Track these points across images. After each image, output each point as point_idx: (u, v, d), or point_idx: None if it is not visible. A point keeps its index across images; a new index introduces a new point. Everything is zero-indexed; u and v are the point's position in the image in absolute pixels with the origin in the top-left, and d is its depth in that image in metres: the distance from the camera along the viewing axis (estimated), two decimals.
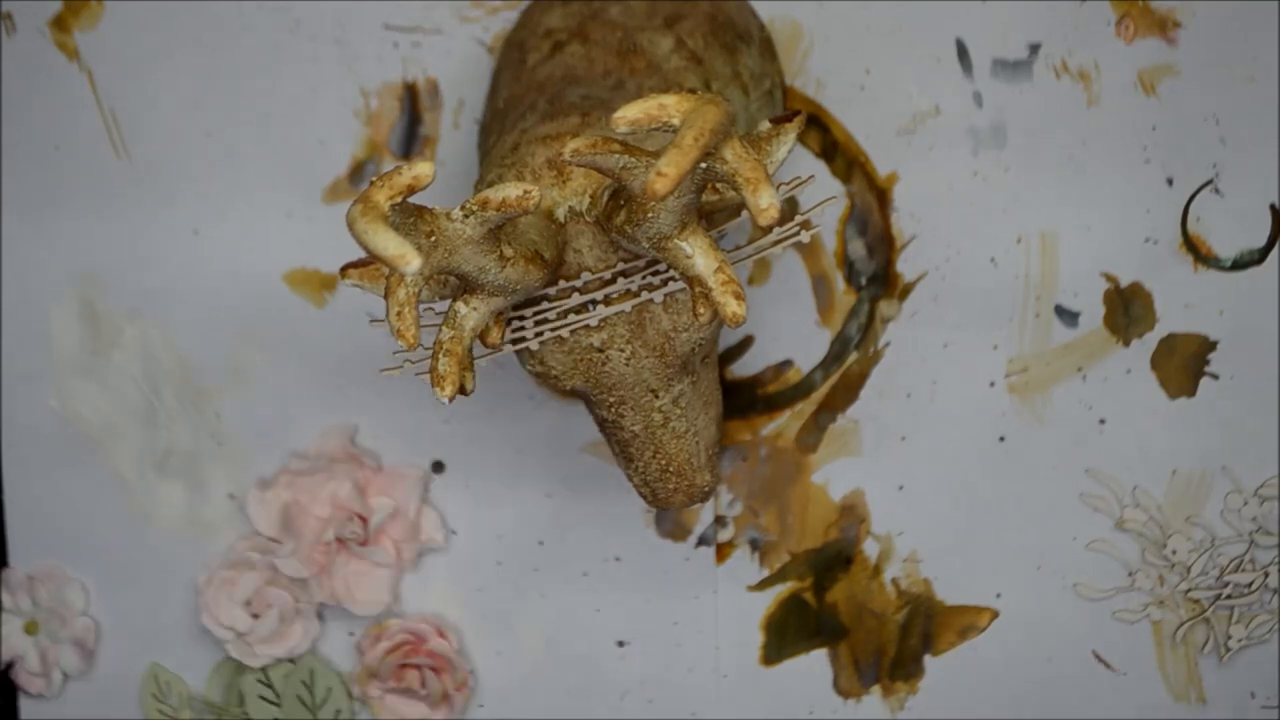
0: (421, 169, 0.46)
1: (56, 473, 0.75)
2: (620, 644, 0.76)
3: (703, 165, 0.46)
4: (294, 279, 0.73)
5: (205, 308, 0.73)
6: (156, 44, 0.71)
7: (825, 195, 0.69)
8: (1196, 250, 0.71)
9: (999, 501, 0.73)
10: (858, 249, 0.72)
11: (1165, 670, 0.74)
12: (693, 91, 0.47)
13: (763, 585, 0.75)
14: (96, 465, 0.75)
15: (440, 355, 0.51)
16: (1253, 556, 0.73)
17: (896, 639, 0.75)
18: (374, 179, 0.46)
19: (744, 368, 0.73)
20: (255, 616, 0.74)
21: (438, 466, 0.74)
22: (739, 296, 0.49)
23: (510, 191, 0.47)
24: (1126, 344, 0.72)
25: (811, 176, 0.55)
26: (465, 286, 0.51)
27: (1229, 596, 0.73)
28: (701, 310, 0.51)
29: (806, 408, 0.73)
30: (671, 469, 0.57)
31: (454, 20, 0.70)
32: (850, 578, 0.74)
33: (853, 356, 0.72)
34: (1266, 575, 0.73)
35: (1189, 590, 0.73)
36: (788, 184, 0.54)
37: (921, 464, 0.73)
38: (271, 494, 0.73)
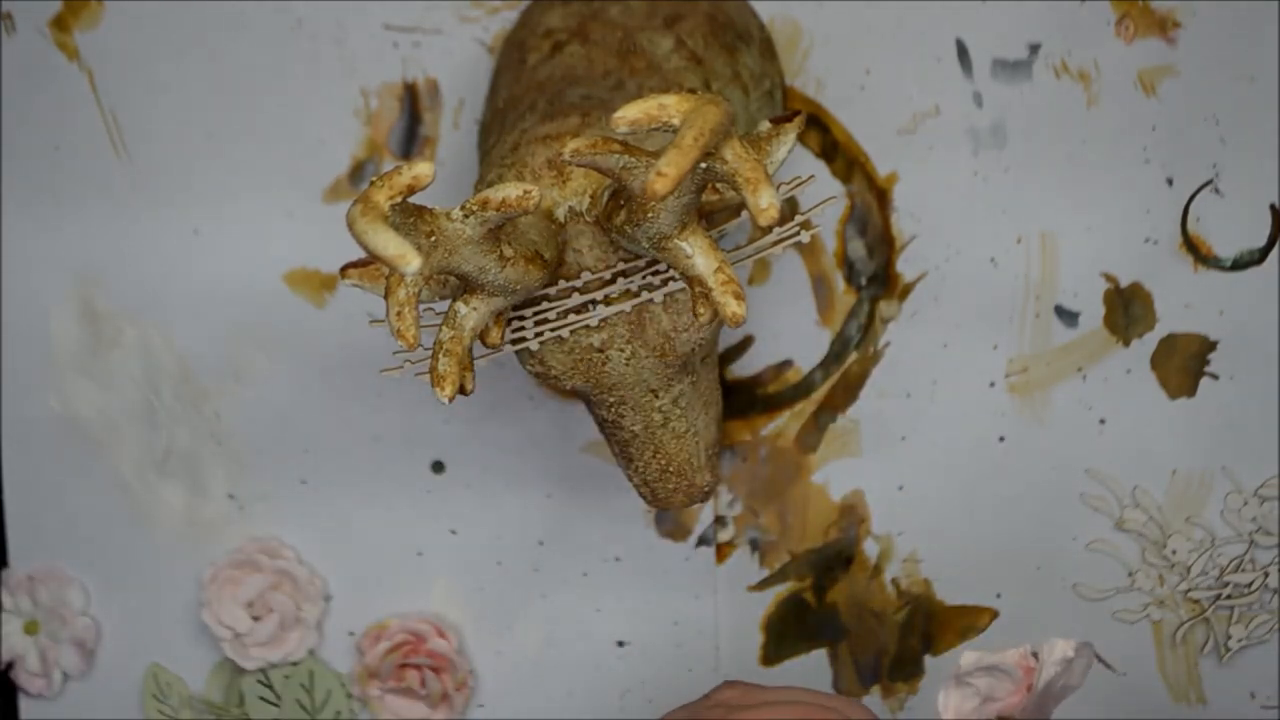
0: (421, 169, 0.46)
1: (56, 473, 0.75)
2: (620, 644, 0.76)
3: (703, 165, 0.46)
4: (294, 279, 0.73)
5: (205, 308, 0.73)
6: (156, 44, 0.71)
7: (825, 195, 0.69)
8: (1196, 250, 0.71)
9: (999, 501, 0.73)
10: (858, 249, 0.72)
11: (1165, 670, 0.74)
12: (693, 91, 0.47)
13: (763, 585, 0.75)
14: (96, 465, 0.75)
15: (440, 355, 0.51)
16: (1253, 556, 0.73)
17: (896, 639, 0.75)
18: (374, 179, 0.46)
19: (744, 368, 0.73)
20: (256, 619, 0.75)
21: (438, 466, 0.74)
22: (739, 296, 0.49)
23: (510, 191, 0.47)
24: (1126, 344, 0.72)
25: (811, 176, 0.55)
26: (465, 286, 0.51)
27: (1229, 596, 0.73)
28: (701, 310, 0.51)
29: (806, 408, 0.73)
30: (671, 469, 0.57)
31: (454, 20, 0.70)
32: (850, 578, 0.74)
33: (853, 356, 0.72)
34: (1266, 575, 0.73)
35: (1189, 590, 0.73)
36: (788, 184, 0.54)
37: (921, 464, 0.73)
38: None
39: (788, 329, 0.72)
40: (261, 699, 0.76)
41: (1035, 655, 0.54)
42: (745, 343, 0.73)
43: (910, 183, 0.71)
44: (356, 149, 0.72)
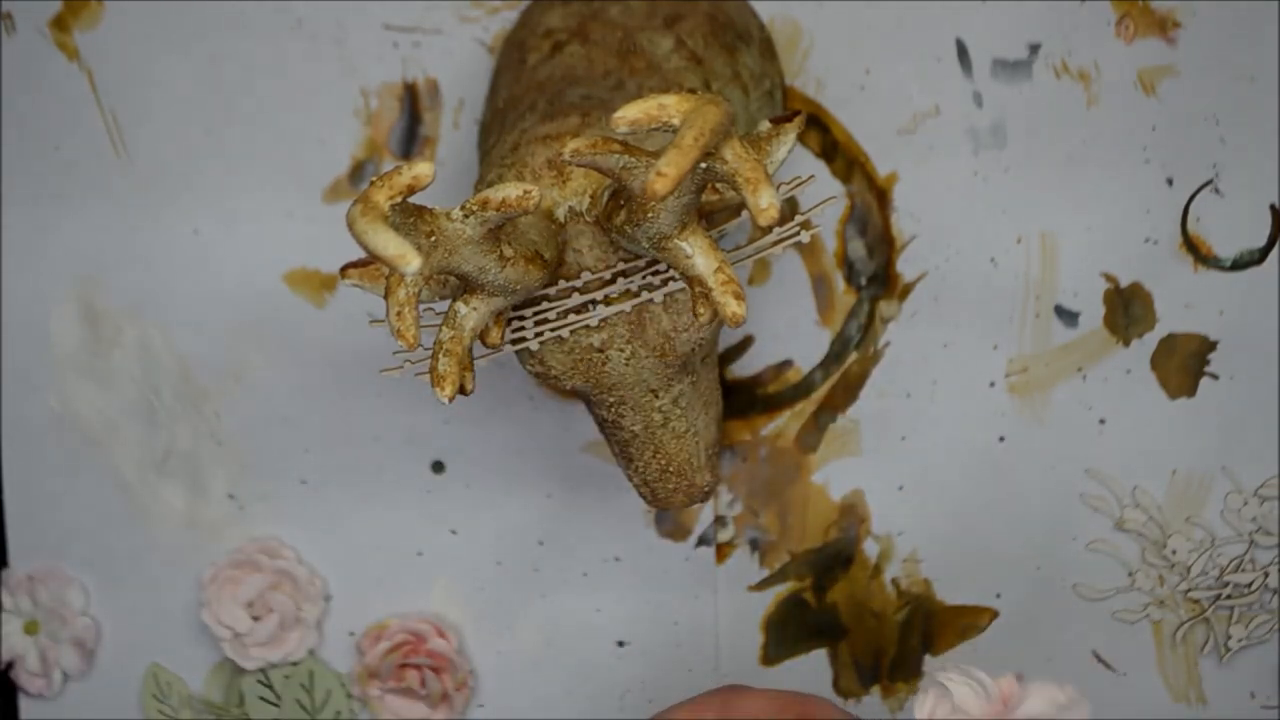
0: (421, 169, 0.46)
1: (56, 473, 0.75)
2: (620, 644, 0.76)
3: (703, 165, 0.46)
4: (294, 279, 0.73)
5: (205, 308, 0.73)
6: (156, 44, 0.71)
7: (825, 195, 0.69)
8: (1196, 250, 0.71)
9: (999, 501, 0.73)
10: (858, 249, 0.72)
11: (1165, 670, 0.74)
12: (693, 91, 0.47)
13: (763, 585, 0.75)
14: (96, 465, 0.75)
15: (440, 355, 0.51)
16: (1253, 556, 0.73)
17: (896, 639, 0.75)
18: (374, 179, 0.46)
19: (744, 368, 0.73)
20: (256, 619, 0.75)
21: (438, 466, 0.74)
22: (739, 296, 0.49)
23: (510, 191, 0.47)
24: (1126, 344, 0.72)
25: (811, 176, 0.55)
26: (465, 286, 0.51)
27: (1229, 596, 0.73)
28: (701, 310, 0.51)
29: (806, 408, 0.73)
30: (671, 469, 0.57)
31: (454, 20, 0.70)
32: (850, 578, 0.74)
33: (853, 356, 0.72)
34: (1266, 575, 0.73)
35: (1189, 590, 0.73)
36: (788, 184, 0.54)
37: (921, 464, 0.73)
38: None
39: (788, 329, 0.72)
40: (261, 699, 0.76)
41: (1020, 685, 0.54)
42: (745, 343, 0.73)
43: (910, 183, 0.71)
44: (356, 149, 0.72)
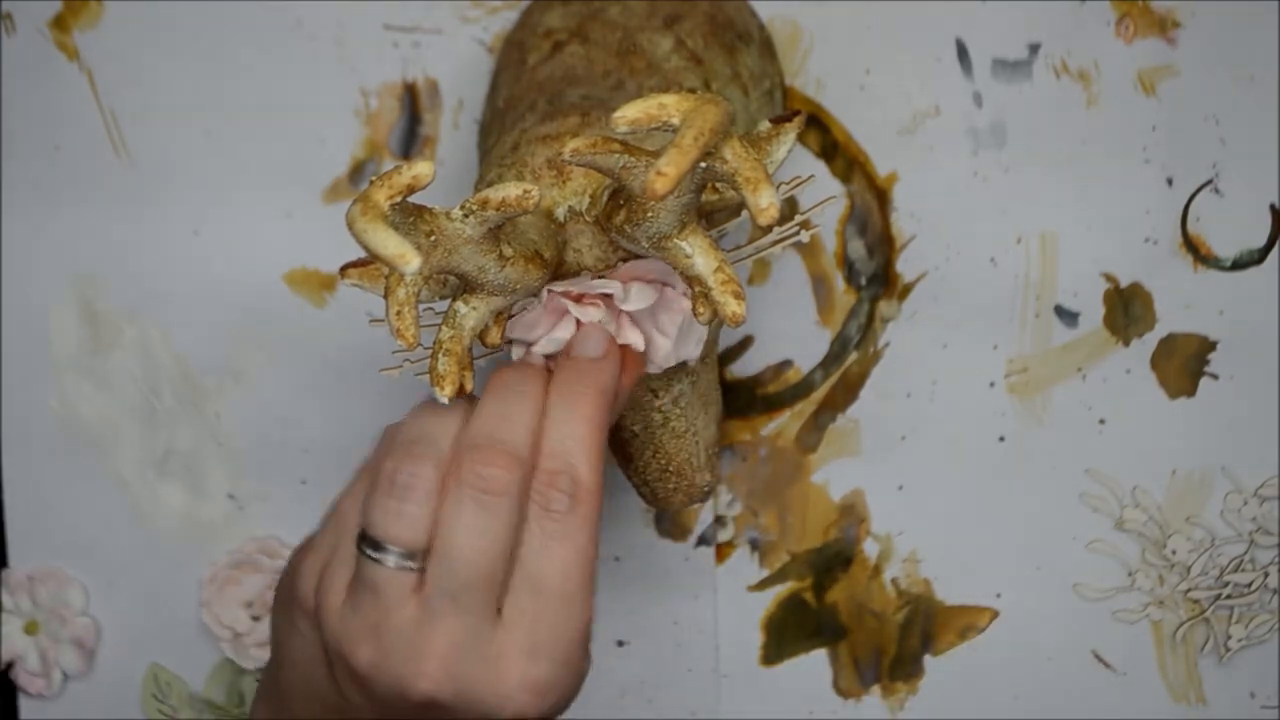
0: (421, 169, 0.46)
1: (56, 473, 0.75)
2: (620, 644, 0.76)
3: (702, 165, 0.46)
4: (294, 279, 0.73)
5: (205, 308, 0.73)
6: (156, 44, 0.71)
7: (825, 195, 0.69)
8: (1196, 250, 0.71)
9: (999, 501, 0.73)
10: (857, 249, 0.72)
11: (1165, 670, 0.74)
12: (693, 91, 0.47)
13: (762, 585, 0.75)
14: (96, 465, 0.75)
15: (440, 355, 0.51)
16: (1253, 556, 0.73)
17: (896, 639, 0.75)
18: (374, 179, 0.46)
19: (744, 368, 0.73)
20: (255, 619, 0.75)
21: None
22: (739, 296, 0.49)
23: (510, 191, 0.47)
24: (1126, 344, 0.72)
25: (811, 176, 0.55)
26: (465, 286, 0.51)
27: (1229, 596, 0.73)
28: (701, 310, 0.51)
29: (806, 408, 0.73)
30: (671, 469, 0.57)
31: (454, 20, 0.70)
32: (850, 578, 0.74)
33: (852, 356, 0.72)
34: (1266, 575, 0.73)
35: (1189, 590, 0.73)
36: (788, 184, 0.54)
37: (921, 464, 0.73)
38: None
39: (788, 329, 0.72)
40: None
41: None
42: (745, 343, 0.73)
43: (910, 183, 0.71)
44: (356, 149, 0.72)
